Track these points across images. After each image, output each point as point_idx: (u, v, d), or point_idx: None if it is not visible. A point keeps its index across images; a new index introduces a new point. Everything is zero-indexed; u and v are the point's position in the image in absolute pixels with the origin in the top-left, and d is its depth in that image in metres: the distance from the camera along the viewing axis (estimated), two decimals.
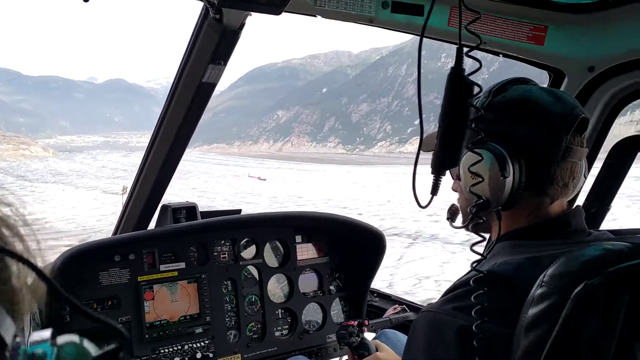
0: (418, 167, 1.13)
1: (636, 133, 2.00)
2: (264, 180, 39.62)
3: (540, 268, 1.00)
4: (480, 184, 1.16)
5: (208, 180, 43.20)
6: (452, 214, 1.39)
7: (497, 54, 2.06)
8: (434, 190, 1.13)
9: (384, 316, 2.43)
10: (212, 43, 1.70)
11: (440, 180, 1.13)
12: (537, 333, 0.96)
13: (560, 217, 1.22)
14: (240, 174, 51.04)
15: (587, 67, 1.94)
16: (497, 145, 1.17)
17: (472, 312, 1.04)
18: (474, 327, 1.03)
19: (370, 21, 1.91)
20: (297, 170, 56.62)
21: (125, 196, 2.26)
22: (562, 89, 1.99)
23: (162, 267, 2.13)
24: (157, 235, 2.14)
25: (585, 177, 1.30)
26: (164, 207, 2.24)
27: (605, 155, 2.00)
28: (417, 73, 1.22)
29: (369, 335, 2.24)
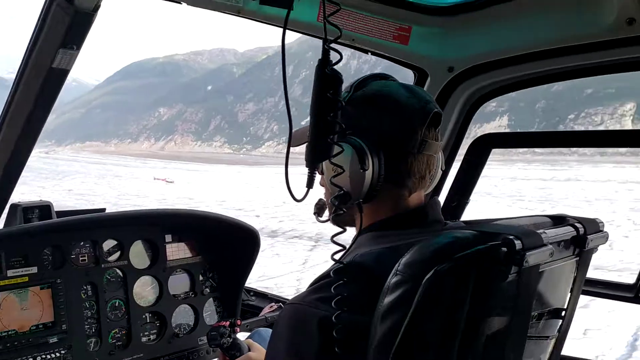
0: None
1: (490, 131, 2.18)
2: (172, 182, 37.13)
3: (399, 257, 1.03)
4: (341, 176, 1.18)
5: (85, 180, 39.49)
6: (319, 209, 1.41)
7: (365, 51, 2.14)
8: (309, 183, 1.14)
9: (259, 315, 2.40)
10: (63, 26, 1.60)
11: (315, 174, 1.14)
12: (391, 320, 0.99)
13: (419, 209, 1.28)
14: (123, 174, 47.25)
15: (447, 67, 2.07)
16: (358, 138, 1.20)
17: (332, 303, 1.06)
18: (333, 317, 1.05)
19: (238, 11, 1.90)
20: (185, 170, 53.85)
21: None
22: (425, 88, 2.10)
23: (10, 273, 1.94)
24: (4, 236, 1.94)
25: (442, 170, 1.38)
26: (13, 206, 2.05)
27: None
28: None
29: (243, 335, 2.19)
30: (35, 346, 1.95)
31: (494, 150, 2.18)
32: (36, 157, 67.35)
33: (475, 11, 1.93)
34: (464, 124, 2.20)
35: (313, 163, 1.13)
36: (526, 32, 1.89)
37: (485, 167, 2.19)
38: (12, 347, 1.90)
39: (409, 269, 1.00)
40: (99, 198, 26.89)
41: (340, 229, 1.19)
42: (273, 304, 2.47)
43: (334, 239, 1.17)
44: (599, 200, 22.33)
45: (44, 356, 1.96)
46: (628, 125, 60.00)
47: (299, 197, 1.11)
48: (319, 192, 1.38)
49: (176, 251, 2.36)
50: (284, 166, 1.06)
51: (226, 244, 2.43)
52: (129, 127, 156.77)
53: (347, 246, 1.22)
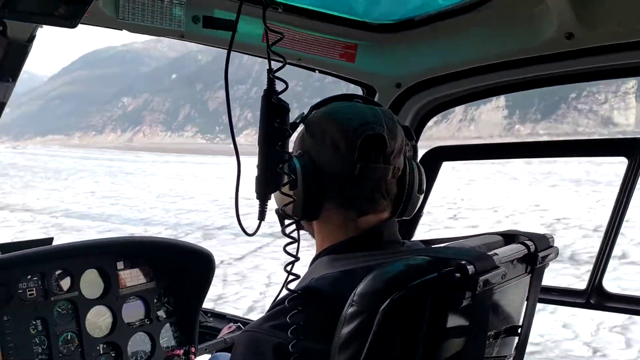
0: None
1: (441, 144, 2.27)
2: None
3: (356, 280, 1.08)
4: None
5: (99, 180, 35.03)
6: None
7: (313, 70, 2.21)
8: (261, 215, 1.17)
9: (218, 337, 2.48)
10: None
11: (267, 206, 1.18)
12: (350, 351, 1.04)
13: (373, 230, 1.32)
14: (132, 170, 41.90)
15: (394, 83, 2.16)
16: (302, 160, 1.27)
17: (289, 332, 1.10)
18: (290, 346, 1.09)
19: (182, 36, 1.93)
20: (164, 162, 50.15)
21: None
22: None
23: None
24: None
25: (420, 192, 1.38)
26: None
27: None
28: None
29: (203, 358, 2.30)
30: None
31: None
32: (12, 154, 63.46)
33: (418, 28, 2.03)
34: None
35: (264, 195, 1.17)
36: (470, 47, 1.99)
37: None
38: None
39: (365, 299, 1.05)
40: (139, 202, 24.05)
41: (290, 240, 1.24)
42: (232, 324, 2.54)
43: (286, 249, 1.23)
44: None
45: None
46: (632, 103, 60.53)
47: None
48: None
49: (129, 278, 2.40)
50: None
51: (181, 269, 2.48)
52: (91, 119, 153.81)
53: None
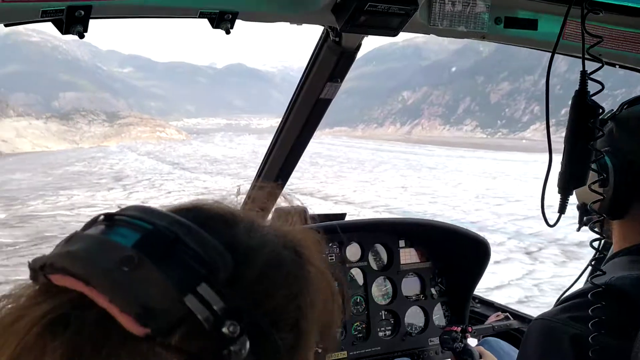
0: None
1: None
2: None
3: None
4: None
5: (406, 174, 34.27)
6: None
7: (613, 65, 2.06)
8: (562, 209, 1.27)
9: (485, 323, 2.59)
10: (331, 63, 1.97)
11: (568, 200, 1.27)
12: None
13: None
14: (432, 164, 40.10)
15: None
16: (614, 158, 1.30)
17: (589, 325, 1.15)
18: (589, 338, 1.13)
19: (483, 37, 1.99)
20: (458, 157, 46.66)
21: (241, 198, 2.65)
22: None
23: None
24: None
25: None
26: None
27: None
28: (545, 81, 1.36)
29: (471, 342, 2.37)
30: None
31: None
32: (311, 144, 65.56)
33: None
34: None
35: (566, 190, 1.26)
36: None
37: None
38: None
39: None
40: (459, 201, 22.86)
41: (597, 236, 1.29)
42: (499, 313, 2.63)
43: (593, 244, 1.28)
44: None
45: None
46: None
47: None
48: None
49: (408, 255, 2.68)
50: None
51: (455, 253, 2.66)
52: (373, 112, 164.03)
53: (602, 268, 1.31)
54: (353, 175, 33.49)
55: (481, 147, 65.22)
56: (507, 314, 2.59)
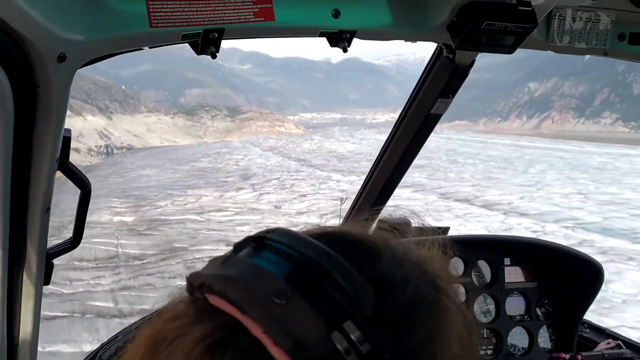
0: None
1: None
2: None
3: None
4: None
5: (571, 176, 29.73)
6: None
7: None
8: None
9: (595, 350, 2.47)
10: (443, 79, 2.01)
11: None
12: None
13: None
14: (594, 163, 35.05)
15: None
16: None
17: None
18: None
19: (605, 54, 1.96)
20: (622, 156, 39.76)
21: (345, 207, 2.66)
22: None
23: None
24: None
25: None
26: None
27: None
28: None
29: None
30: None
31: None
32: (437, 139, 54.50)
33: None
34: None
35: None
36: None
37: None
38: None
39: None
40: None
41: None
42: (610, 340, 2.49)
43: None
44: None
45: None
46: None
47: None
48: None
49: (513, 274, 2.60)
50: None
51: (565, 274, 2.55)
52: (496, 105, 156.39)
53: None
54: (506, 177, 28.96)
55: (630, 142, 57.05)
56: (620, 342, 2.47)
